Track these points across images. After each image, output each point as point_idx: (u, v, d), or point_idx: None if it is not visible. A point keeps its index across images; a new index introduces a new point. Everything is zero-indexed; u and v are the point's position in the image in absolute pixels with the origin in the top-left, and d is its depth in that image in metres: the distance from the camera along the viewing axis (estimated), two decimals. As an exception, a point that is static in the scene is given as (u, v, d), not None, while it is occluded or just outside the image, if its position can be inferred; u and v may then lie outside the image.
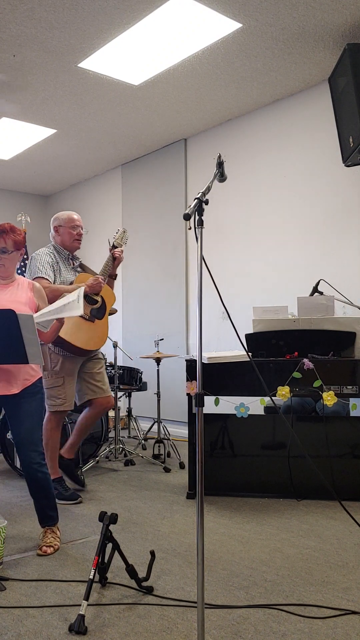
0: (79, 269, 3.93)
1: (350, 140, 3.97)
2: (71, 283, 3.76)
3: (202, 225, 2.13)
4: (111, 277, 4.01)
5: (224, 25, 3.93)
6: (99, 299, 3.84)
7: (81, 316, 3.63)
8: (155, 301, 6.45)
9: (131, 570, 2.34)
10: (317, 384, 3.50)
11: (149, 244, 6.55)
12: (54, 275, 3.69)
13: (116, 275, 4.06)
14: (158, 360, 5.03)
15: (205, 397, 3.69)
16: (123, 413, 6.12)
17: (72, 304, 2.73)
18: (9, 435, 4.38)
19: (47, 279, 3.60)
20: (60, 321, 2.87)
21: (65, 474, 3.91)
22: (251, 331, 3.79)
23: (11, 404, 2.80)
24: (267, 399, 3.93)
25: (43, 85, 4.83)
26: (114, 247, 3.98)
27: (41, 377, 2.92)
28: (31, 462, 2.79)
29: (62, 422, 3.78)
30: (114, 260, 3.95)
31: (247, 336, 3.75)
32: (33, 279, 3.56)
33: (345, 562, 2.67)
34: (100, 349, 3.87)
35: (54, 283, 3.72)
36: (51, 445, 3.72)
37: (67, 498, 3.66)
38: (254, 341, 3.75)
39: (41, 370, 2.96)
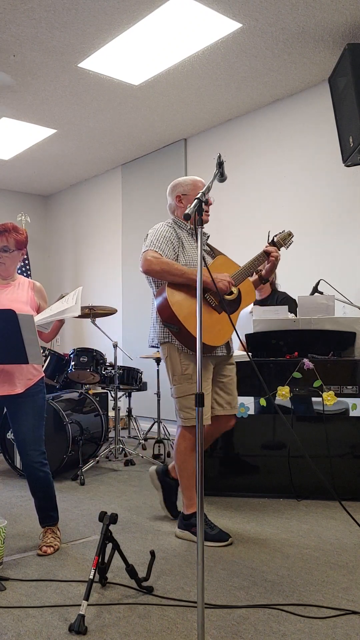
0: (206, 248, 3.25)
1: (350, 140, 3.97)
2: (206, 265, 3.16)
3: (202, 225, 2.13)
4: (261, 279, 3.37)
5: (224, 25, 3.93)
6: (235, 292, 3.11)
7: (208, 303, 2.95)
8: (155, 301, 6.45)
9: (131, 570, 2.34)
10: (317, 384, 3.50)
11: (149, 244, 6.55)
12: (176, 252, 3.01)
13: (268, 280, 3.41)
14: (158, 360, 5.03)
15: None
16: (123, 413, 6.12)
17: (72, 308, 2.73)
18: (9, 435, 4.39)
19: (157, 252, 2.94)
20: (61, 321, 2.87)
21: (163, 494, 3.29)
22: (251, 331, 3.79)
23: (13, 404, 2.80)
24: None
25: (43, 85, 4.83)
26: (273, 242, 3.29)
27: (43, 376, 2.92)
28: (32, 462, 2.79)
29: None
30: (268, 258, 3.21)
31: (247, 336, 3.75)
32: (143, 253, 2.98)
33: (345, 562, 2.67)
34: (221, 349, 3.06)
35: (176, 259, 3.03)
36: (186, 470, 2.96)
37: (212, 538, 2.89)
38: (254, 341, 3.74)
39: (42, 369, 2.96)
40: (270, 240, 3.32)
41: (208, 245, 3.26)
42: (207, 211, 3.16)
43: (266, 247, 3.22)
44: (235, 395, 3.13)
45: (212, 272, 2.97)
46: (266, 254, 3.19)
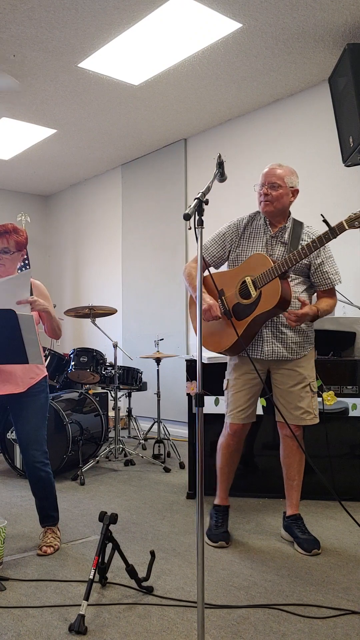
0: (283, 240, 2.88)
1: (350, 140, 3.97)
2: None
3: (202, 225, 2.13)
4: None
5: (224, 25, 3.93)
6: (256, 294, 2.75)
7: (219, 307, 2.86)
8: (155, 301, 6.45)
9: (131, 570, 2.34)
10: (317, 383, 3.50)
11: (148, 244, 6.55)
12: (221, 249, 2.98)
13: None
14: (158, 360, 5.03)
15: (205, 397, 3.68)
16: (123, 413, 6.12)
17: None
18: (9, 435, 4.39)
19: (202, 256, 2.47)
20: (49, 314, 2.76)
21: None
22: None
23: (16, 403, 2.81)
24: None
25: (43, 85, 4.83)
26: (330, 229, 2.54)
27: (46, 375, 2.93)
28: (34, 461, 2.79)
29: (241, 440, 3.04)
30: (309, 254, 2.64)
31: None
32: None
33: (345, 562, 2.67)
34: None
35: (227, 257, 2.99)
36: (219, 463, 3.09)
37: (209, 537, 2.95)
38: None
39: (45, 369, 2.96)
40: (328, 226, 2.57)
41: (294, 235, 2.88)
42: (262, 200, 2.87)
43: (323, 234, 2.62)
44: (294, 404, 2.90)
45: (242, 271, 2.85)
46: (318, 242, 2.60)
